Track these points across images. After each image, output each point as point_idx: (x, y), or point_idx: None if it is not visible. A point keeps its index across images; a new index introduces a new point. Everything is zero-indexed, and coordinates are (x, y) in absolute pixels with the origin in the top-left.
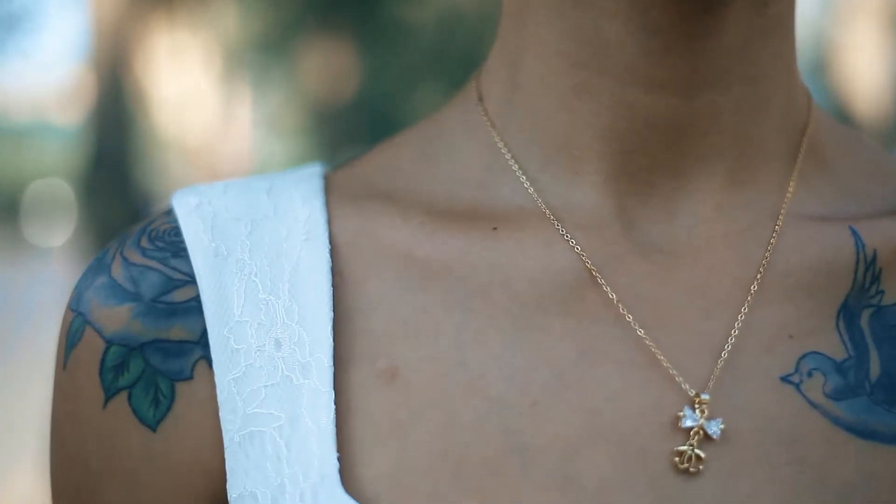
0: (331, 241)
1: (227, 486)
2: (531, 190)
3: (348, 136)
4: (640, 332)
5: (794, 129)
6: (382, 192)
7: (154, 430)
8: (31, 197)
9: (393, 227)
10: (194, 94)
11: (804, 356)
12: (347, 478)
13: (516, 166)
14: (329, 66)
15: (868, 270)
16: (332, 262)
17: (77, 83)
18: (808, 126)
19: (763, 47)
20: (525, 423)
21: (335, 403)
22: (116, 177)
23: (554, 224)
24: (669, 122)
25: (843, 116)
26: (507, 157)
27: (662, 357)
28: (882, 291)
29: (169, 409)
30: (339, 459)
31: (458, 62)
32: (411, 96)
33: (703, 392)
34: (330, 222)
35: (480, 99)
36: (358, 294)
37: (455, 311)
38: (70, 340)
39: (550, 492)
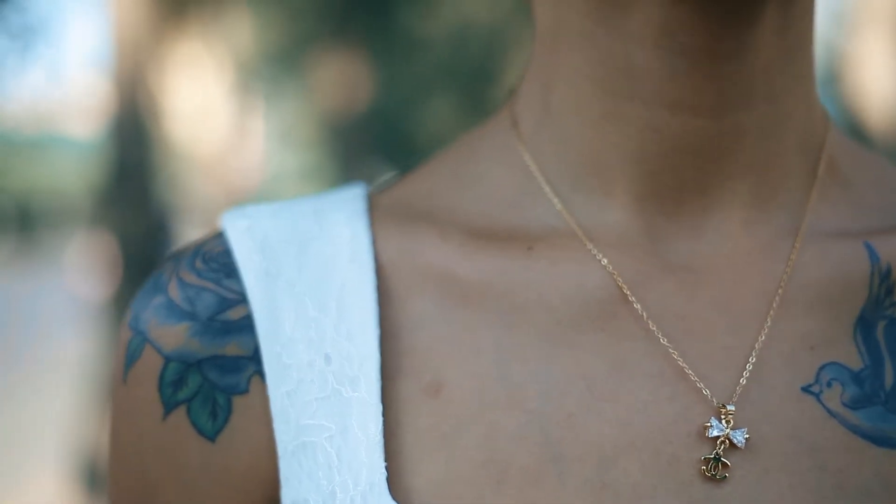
0: (375, 261)
1: (281, 494)
2: (563, 211)
3: (361, 148)
4: (669, 347)
5: (813, 146)
6: (422, 213)
7: (213, 440)
8: (45, 207)
9: (433, 247)
10: (208, 106)
11: (824, 367)
12: (395, 486)
13: (549, 188)
14: (341, 78)
15: (882, 283)
16: (377, 280)
17: (95, 95)
18: (826, 143)
19: (784, 68)
20: (562, 433)
21: (383, 416)
22: (134, 189)
23: (586, 243)
24: (696, 143)
25: (854, 128)
26: (540, 179)
27: (690, 370)
28: (894, 303)
29: (226, 421)
30: (387, 468)
31: (469, 75)
32: (423, 108)
33: (729, 403)
34: (374, 242)
35: (514, 123)
36: (402, 312)
37: (494, 328)
38: (129, 357)
39: (587, 498)
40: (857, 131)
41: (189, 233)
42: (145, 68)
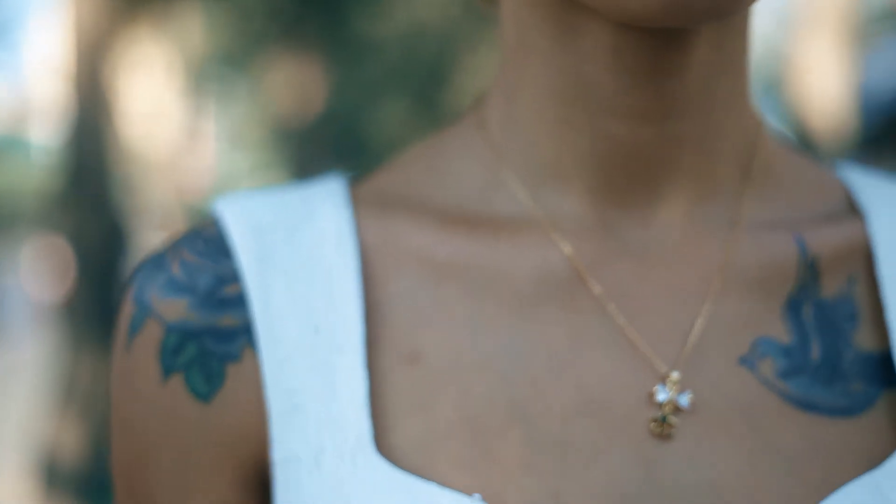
0: (358, 245)
1: (272, 451)
2: (527, 202)
3: (312, 150)
4: (622, 321)
5: (748, 149)
6: (398, 202)
7: (207, 402)
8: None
9: (410, 232)
10: (160, 108)
11: (757, 341)
12: (379, 443)
13: (513, 183)
14: (293, 80)
15: (809, 271)
16: (361, 262)
17: (52, 99)
18: (759, 146)
19: (719, 82)
20: (527, 396)
21: (367, 381)
22: (89, 192)
23: (547, 231)
24: (642, 147)
25: (799, 131)
26: (505, 175)
27: (640, 342)
28: (821, 289)
29: (220, 385)
30: (373, 427)
31: (421, 78)
32: (375, 110)
33: (674, 371)
34: (357, 229)
35: (481, 126)
36: (383, 290)
37: (466, 303)
38: (132, 328)
39: (549, 453)
40: (801, 135)
41: (143, 235)
42: (101, 71)
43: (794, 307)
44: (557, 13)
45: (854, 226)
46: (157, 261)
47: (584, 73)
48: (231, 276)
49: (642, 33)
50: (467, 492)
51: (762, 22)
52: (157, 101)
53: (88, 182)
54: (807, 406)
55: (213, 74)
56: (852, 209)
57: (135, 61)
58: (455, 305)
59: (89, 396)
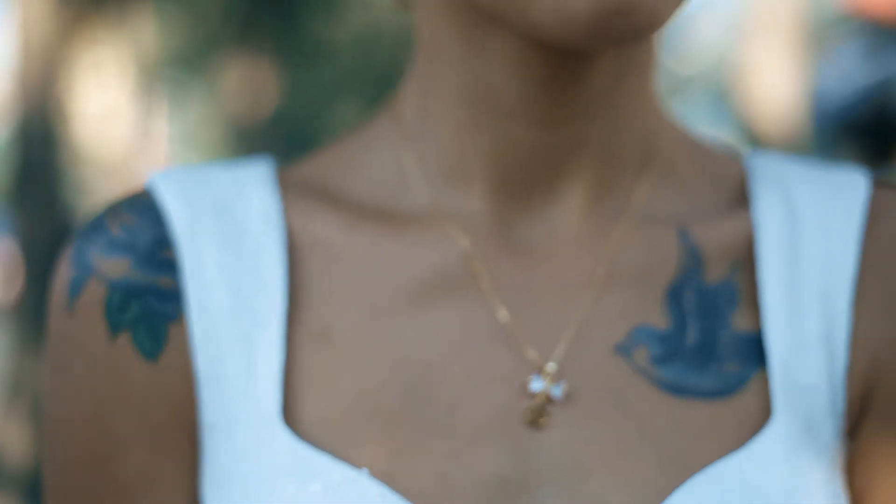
0: (284, 225)
1: (203, 417)
2: (431, 199)
3: (265, 152)
4: (507, 315)
5: (649, 148)
6: (319, 189)
7: (155, 361)
8: None
9: (327, 219)
10: (112, 109)
11: (635, 329)
12: (289, 417)
13: (421, 179)
14: (246, 81)
15: (691, 262)
16: (286, 243)
17: (2, 100)
18: (662, 147)
19: (622, 87)
20: (420, 381)
21: (283, 355)
22: (39, 192)
23: (447, 226)
24: (543, 150)
25: (751, 138)
26: (414, 170)
27: (523, 335)
28: (703, 277)
29: (164, 344)
30: (283, 400)
31: (374, 80)
32: (328, 112)
33: (550, 362)
34: (283, 211)
35: (396, 121)
36: (302, 270)
37: (370, 289)
38: (73, 290)
39: (436, 437)
40: (753, 141)
41: None
42: (51, 71)
43: (674, 294)
44: (468, 23)
45: (742, 214)
46: (96, 224)
47: (490, 80)
48: (166, 241)
49: (550, 48)
50: (358, 466)
51: (713, 29)
52: (109, 103)
53: (38, 183)
54: (678, 390)
55: (166, 76)
56: (745, 198)
57: (87, 63)
58: (361, 291)
59: (36, 397)
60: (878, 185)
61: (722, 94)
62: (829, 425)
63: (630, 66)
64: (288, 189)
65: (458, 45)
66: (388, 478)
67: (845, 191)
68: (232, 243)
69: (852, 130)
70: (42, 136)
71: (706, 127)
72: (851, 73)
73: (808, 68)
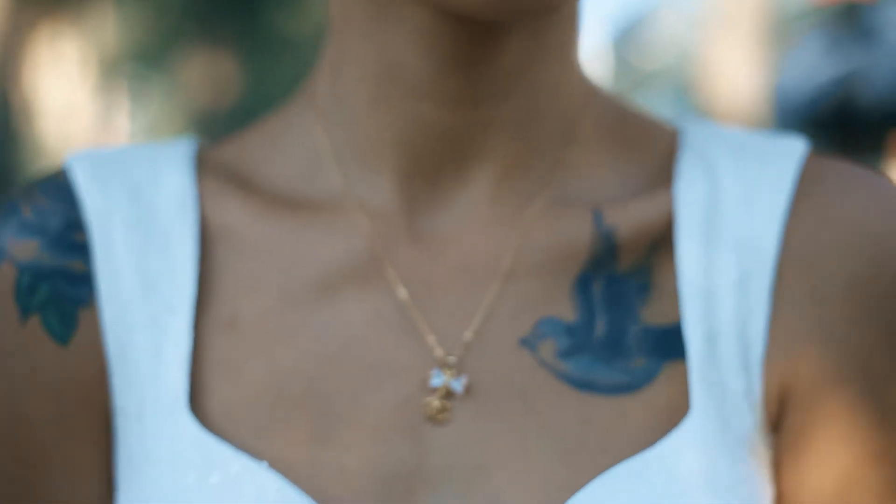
0: (198, 209)
1: (113, 400)
2: (343, 183)
3: None
4: (410, 305)
5: (568, 130)
6: (235, 174)
7: (66, 345)
8: None
9: (240, 204)
10: (74, 104)
11: (541, 321)
12: (195, 404)
13: (334, 162)
14: (208, 76)
15: (604, 245)
16: (199, 228)
17: None
18: (583, 125)
19: (540, 68)
20: (324, 371)
21: (192, 342)
22: (1, 187)
23: (356, 213)
24: (453, 130)
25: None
26: (328, 154)
27: (425, 326)
28: (616, 262)
29: (74, 329)
30: (190, 388)
31: None
32: None
33: (451, 356)
34: (198, 194)
35: (311, 101)
36: (214, 256)
37: (278, 277)
38: None
39: (338, 428)
40: None
41: None
42: (11, 67)
43: (583, 284)
44: None
45: (664, 192)
46: (10, 207)
47: (399, 57)
48: (79, 224)
49: (459, 21)
50: (260, 458)
51: (676, 24)
52: (70, 98)
53: None
54: (584, 386)
55: (127, 71)
56: (671, 175)
57: (48, 59)
58: (269, 280)
59: None
60: (814, 156)
61: (684, 88)
62: (747, 418)
63: (545, 46)
64: (205, 173)
65: (366, 22)
66: (288, 470)
67: (776, 163)
68: (144, 227)
69: (815, 125)
70: (2, 131)
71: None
72: (814, 67)
73: (770, 63)
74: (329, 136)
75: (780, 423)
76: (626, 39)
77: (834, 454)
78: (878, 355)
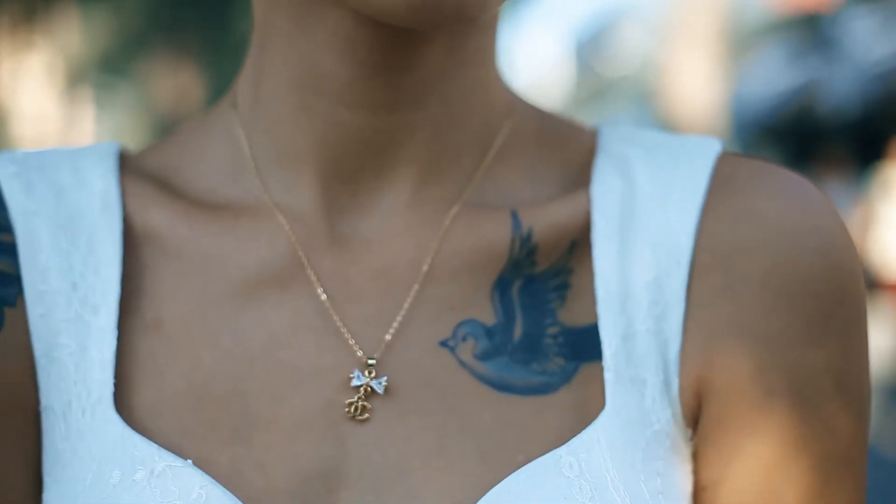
0: (122, 212)
1: (40, 400)
2: (263, 187)
3: None
4: (330, 308)
5: (489, 135)
6: (160, 177)
7: None
8: None
9: (164, 207)
10: (40, 112)
11: (461, 324)
12: (119, 403)
13: (254, 166)
14: (173, 82)
15: (523, 247)
16: (123, 230)
17: None
18: (504, 131)
19: (458, 75)
20: (245, 372)
21: (117, 342)
22: None
23: (277, 217)
24: (372, 136)
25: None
26: (249, 158)
27: (345, 328)
28: (534, 263)
29: (1, 328)
30: (115, 386)
31: None
32: None
33: (371, 357)
34: (122, 196)
35: (234, 105)
36: (139, 258)
37: (201, 280)
38: None
39: (260, 428)
40: None
41: None
42: None
43: (502, 287)
44: (301, 1)
45: (582, 193)
46: None
47: (320, 62)
48: (4, 225)
49: (379, 28)
50: (184, 456)
51: (637, 32)
52: (37, 105)
53: None
54: (502, 387)
55: (92, 77)
56: (589, 177)
57: (14, 66)
58: (193, 282)
59: None
60: (727, 154)
61: (646, 97)
62: (666, 414)
63: (464, 54)
64: (130, 176)
65: (288, 26)
66: (210, 468)
67: (690, 162)
68: (69, 228)
69: (774, 134)
70: None
71: None
72: (774, 77)
73: (730, 72)
74: (251, 140)
75: (700, 417)
76: (589, 47)
77: (753, 446)
78: (793, 349)
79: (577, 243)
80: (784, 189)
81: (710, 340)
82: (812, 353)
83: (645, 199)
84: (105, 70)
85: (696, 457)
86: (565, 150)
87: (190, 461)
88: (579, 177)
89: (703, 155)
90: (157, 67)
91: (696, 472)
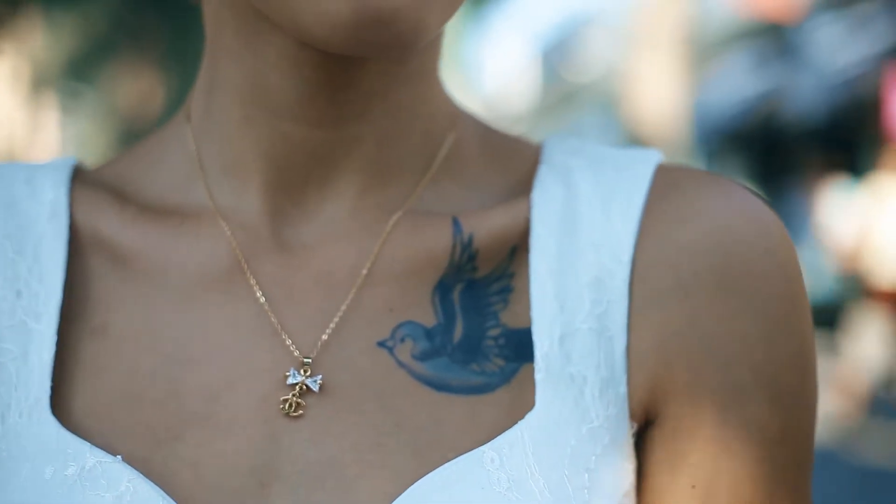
0: (70, 221)
1: None
2: (210, 196)
3: None
4: (269, 310)
5: (432, 147)
6: (111, 188)
7: None
8: None
9: (112, 216)
10: (4, 118)
11: (399, 325)
12: (56, 406)
13: (204, 176)
14: (137, 87)
15: (464, 252)
16: (70, 237)
17: None
18: (447, 143)
19: (401, 91)
20: (183, 374)
21: (56, 347)
22: None
23: (221, 223)
24: (317, 148)
25: (635, 144)
26: (199, 168)
27: (283, 329)
28: (476, 268)
29: None
30: (52, 390)
31: None
32: None
33: (307, 357)
34: (71, 206)
35: (188, 118)
36: (85, 266)
37: (145, 285)
38: None
39: (195, 425)
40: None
41: None
42: None
43: (443, 290)
44: (248, 21)
45: (523, 201)
46: None
47: (266, 79)
48: None
49: (320, 53)
50: (117, 454)
51: (602, 39)
52: (1, 111)
53: None
54: (440, 387)
55: (57, 83)
56: (531, 186)
57: None
58: (135, 287)
59: None
60: (668, 164)
61: (611, 103)
62: (606, 411)
63: (405, 71)
64: (82, 186)
65: (236, 44)
66: (142, 464)
67: (631, 170)
68: (17, 237)
69: (738, 141)
70: None
71: (595, 136)
72: (738, 85)
73: (694, 80)
74: (201, 150)
75: (653, 413)
76: (556, 53)
77: (703, 444)
78: (756, 348)
79: (518, 248)
80: (726, 193)
81: (667, 339)
82: (774, 351)
83: (586, 205)
84: (70, 76)
85: (649, 452)
86: (509, 161)
87: (119, 457)
88: (520, 186)
89: (644, 163)
90: (122, 74)
91: (653, 467)
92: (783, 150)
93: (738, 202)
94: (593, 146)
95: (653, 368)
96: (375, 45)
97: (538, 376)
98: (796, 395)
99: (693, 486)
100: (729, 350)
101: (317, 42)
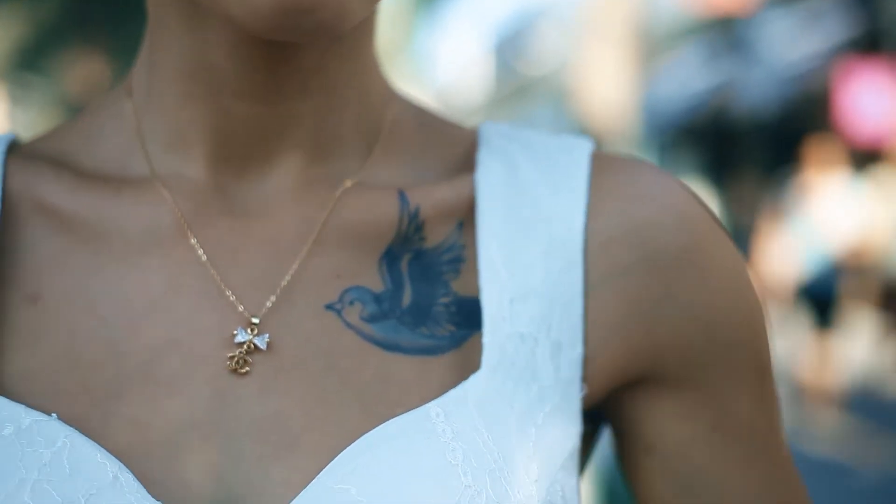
0: (5, 191)
1: None
2: (152, 166)
3: None
4: (213, 272)
5: (372, 122)
6: (48, 158)
7: None
8: None
9: (48, 184)
10: None
11: (348, 289)
12: None
13: (145, 147)
14: (88, 78)
15: (411, 223)
16: (3, 207)
17: None
18: (385, 118)
19: (338, 68)
20: (124, 335)
21: None
22: None
23: (163, 191)
24: (258, 123)
25: (586, 136)
26: (140, 139)
27: (229, 291)
28: (423, 238)
29: None
30: None
31: None
32: None
33: (255, 316)
34: (6, 176)
35: (129, 93)
36: (19, 234)
37: (83, 251)
38: None
39: (136, 385)
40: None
41: None
42: None
43: (390, 259)
44: (187, 4)
45: (467, 178)
46: None
47: (207, 57)
48: None
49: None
50: (58, 415)
51: (554, 32)
52: None
53: None
54: (389, 347)
55: (6, 73)
56: (472, 164)
57: None
58: (74, 253)
59: None
60: (596, 150)
61: (563, 96)
62: (558, 374)
63: (341, 47)
64: (18, 157)
65: (177, 22)
66: (80, 422)
67: (568, 154)
68: None
69: (688, 135)
70: None
71: (547, 128)
72: (689, 78)
73: (645, 74)
74: (142, 125)
75: (637, 375)
76: (509, 46)
77: (711, 391)
78: (717, 311)
79: (465, 222)
80: (660, 175)
81: (643, 309)
82: (742, 307)
83: (530, 183)
84: (19, 66)
85: (660, 409)
86: (446, 141)
87: (54, 415)
88: (461, 165)
89: (579, 147)
90: (72, 63)
91: (663, 421)
92: (733, 144)
93: (675, 183)
94: (527, 132)
95: (626, 335)
96: (299, 31)
97: (486, 339)
98: (762, 340)
99: (713, 429)
100: (708, 313)
101: (246, 29)
